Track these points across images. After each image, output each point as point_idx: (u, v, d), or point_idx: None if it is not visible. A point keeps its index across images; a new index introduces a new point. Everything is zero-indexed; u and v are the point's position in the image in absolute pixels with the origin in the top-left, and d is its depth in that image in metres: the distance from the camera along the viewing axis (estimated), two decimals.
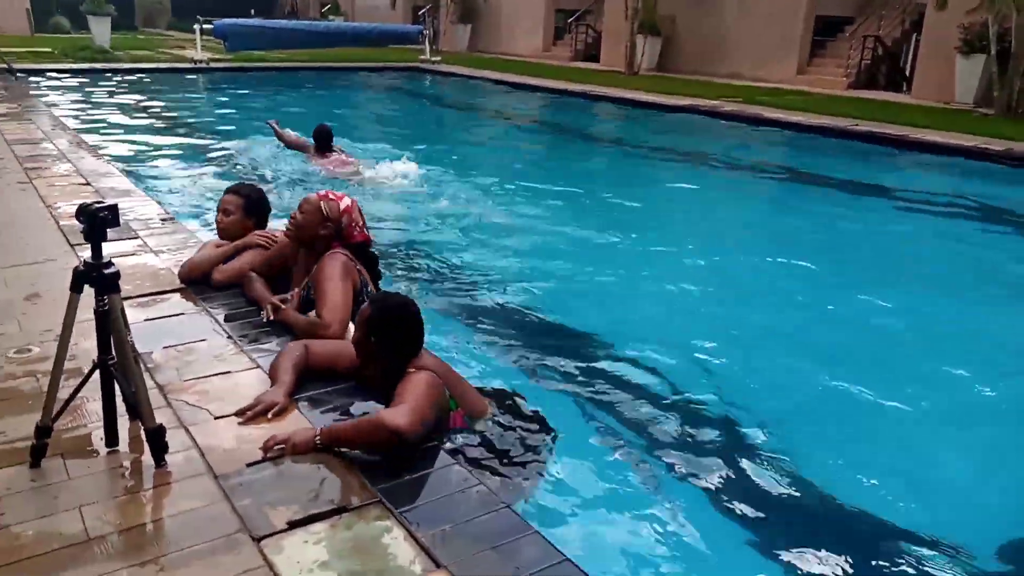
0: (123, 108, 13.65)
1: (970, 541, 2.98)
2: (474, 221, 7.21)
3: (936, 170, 10.59)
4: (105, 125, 11.61)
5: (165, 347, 3.44)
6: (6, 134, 8.69)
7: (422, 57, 22.28)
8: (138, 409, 2.58)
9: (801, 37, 18.76)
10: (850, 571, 2.78)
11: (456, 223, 7.08)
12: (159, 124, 12.03)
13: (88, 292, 2.50)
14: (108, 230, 2.50)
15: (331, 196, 3.80)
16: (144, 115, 13.05)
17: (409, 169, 8.57)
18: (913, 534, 3.01)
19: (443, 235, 6.75)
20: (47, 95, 13.95)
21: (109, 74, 17.64)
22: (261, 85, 17.89)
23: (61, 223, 5.32)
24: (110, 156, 8.48)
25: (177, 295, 4.08)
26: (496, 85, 18.98)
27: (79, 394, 2.63)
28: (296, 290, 3.80)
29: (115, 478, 2.55)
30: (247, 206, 4.28)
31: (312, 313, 3.60)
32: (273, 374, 3.12)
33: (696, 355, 4.48)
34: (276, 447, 2.64)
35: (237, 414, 2.88)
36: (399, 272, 5.66)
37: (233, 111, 14.14)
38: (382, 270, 3.98)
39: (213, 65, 19.43)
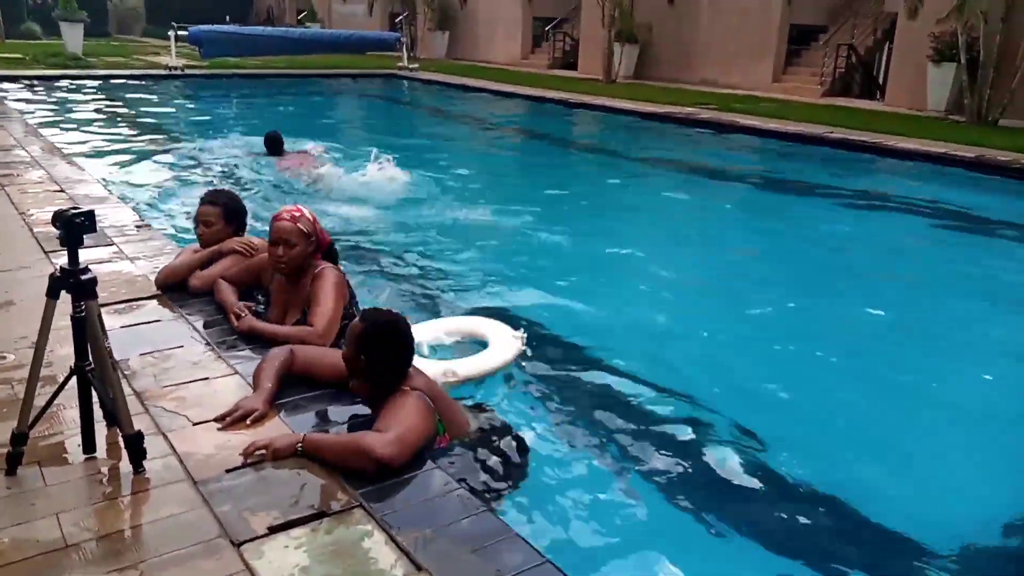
0: (97, 114, 13.54)
1: (969, 541, 3.02)
2: (449, 225, 7.25)
3: (909, 176, 10.74)
4: (79, 131, 11.50)
5: (142, 354, 3.42)
6: None
7: (400, 64, 22.30)
8: (116, 416, 2.56)
9: (776, 45, 18.94)
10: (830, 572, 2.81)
11: (432, 227, 7.11)
12: (133, 131, 11.93)
13: (64, 299, 2.49)
14: (84, 236, 2.49)
15: (294, 213, 3.76)
16: (118, 122, 12.94)
17: (386, 175, 8.57)
18: (912, 533, 3.04)
19: (417, 238, 6.78)
20: (19, 102, 13.78)
21: (82, 80, 17.48)
22: (236, 92, 17.79)
23: (35, 230, 5.27)
24: (84, 163, 8.39)
25: (154, 302, 4.06)
26: (474, 92, 19.02)
27: (55, 401, 2.61)
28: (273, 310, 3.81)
29: (93, 485, 2.53)
30: (226, 215, 4.29)
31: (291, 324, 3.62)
32: (256, 379, 3.11)
33: (673, 358, 4.52)
34: (257, 452, 2.63)
35: (216, 420, 2.88)
36: (374, 273, 5.66)
37: (208, 118, 14.07)
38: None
39: (188, 72, 19.31)
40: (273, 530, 2.29)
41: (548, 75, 22.23)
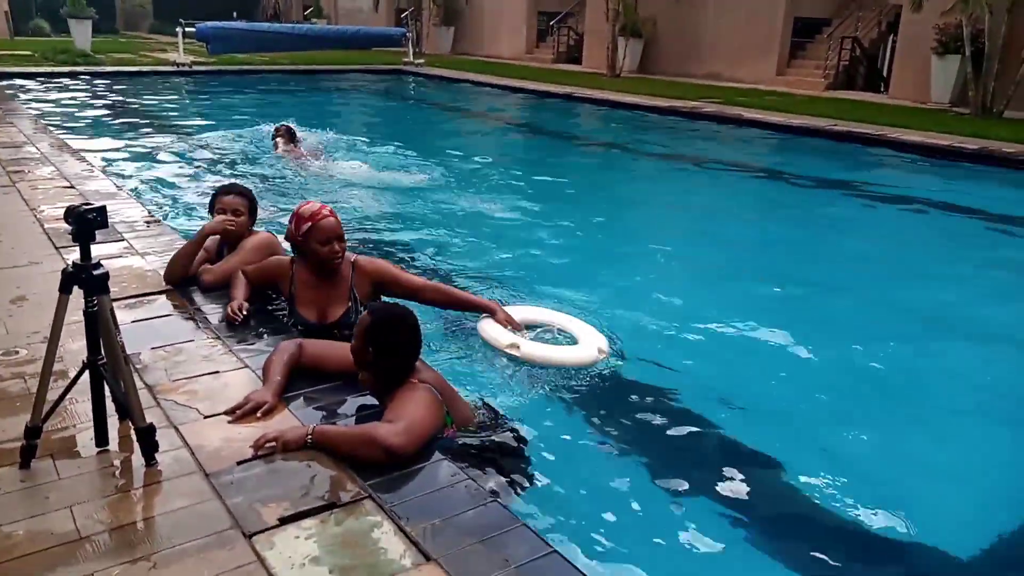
0: (106, 111, 13.58)
1: (965, 540, 3.04)
2: (455, 217, 7.27)
3: (913, 168, 10.72)
4: (88, 128, 11.56)
5: (153, 348, 3.46)
6: None
7: (405, 60, 22.31)
8: (128, 409, 2.60)
9: (780, 39, 18.91)
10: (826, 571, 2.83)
11: (437, 219, 7.13)
12: (142, 127, 11.97)
13: (76, 293, 2.52)
14: (96, 232, 2.53)
15: (329, 209, 3.82)
16: (127, 118, 12.98)
17: (394, 169, 8.62)
18: (909, 534, 3.06)
19: (423, 231, 6.80)
20: (28, 98, 13.85)
21: (91, 77, 17.54)
22: (244, 88, 17.83)
23: (46, 226, 5.32)
24: (93, 159, 8.44)
25: (164, 296, 4.10)
26: (479, 87, 19.02)
27: (68, 395, 2.65)
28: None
29: (105, 477, 2.56)
30: (252, 207, 4.37)
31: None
32: (266, 373, 3.14)
33: (679, 353, 4.53)
34: (267, 445, 2.67)
35: (227, 413, 2.91)
36: None
37: (216, 113, 14.09)
38: None
39: (196, 68, 19.36)
40: (284, 521, 2.33)
41: (553, 69, 22.22)
